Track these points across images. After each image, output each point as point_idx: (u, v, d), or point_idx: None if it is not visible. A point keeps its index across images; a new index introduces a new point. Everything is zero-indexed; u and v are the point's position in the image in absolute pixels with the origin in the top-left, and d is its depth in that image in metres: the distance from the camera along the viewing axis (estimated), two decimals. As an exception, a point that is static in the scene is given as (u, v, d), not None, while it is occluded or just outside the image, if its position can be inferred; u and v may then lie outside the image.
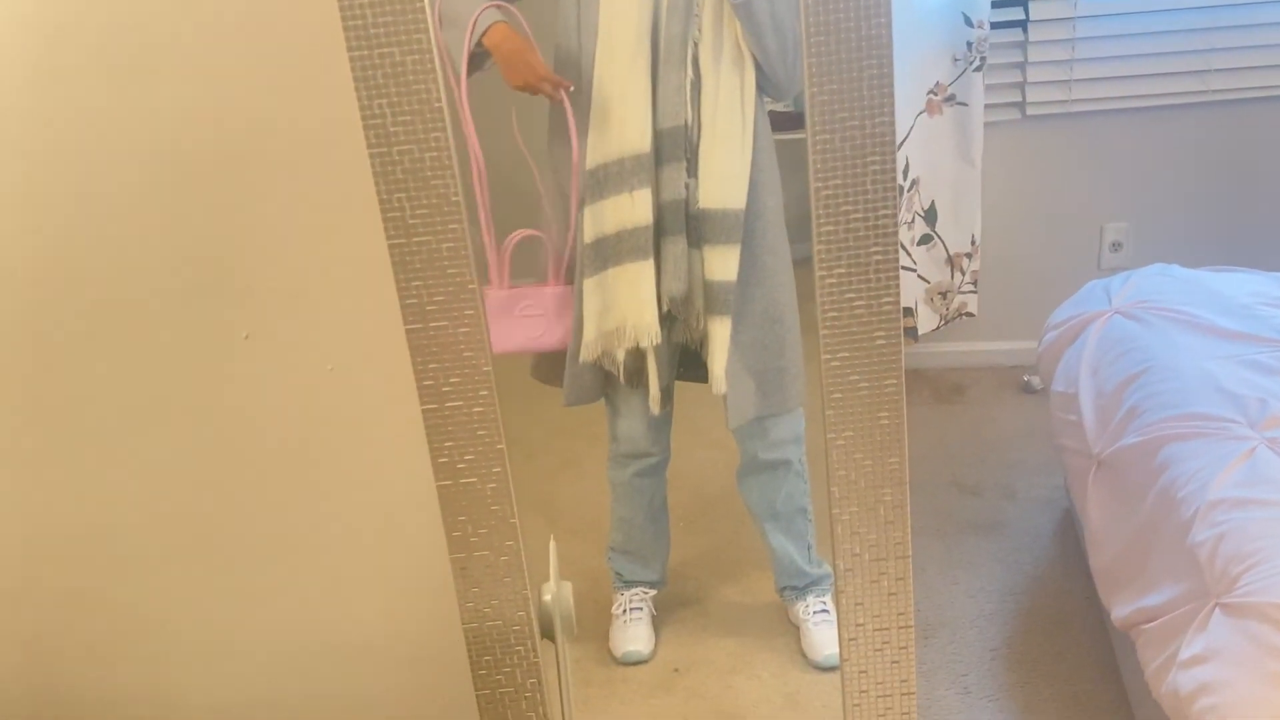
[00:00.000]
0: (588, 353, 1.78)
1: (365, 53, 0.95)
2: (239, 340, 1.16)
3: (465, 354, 1.04)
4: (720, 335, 1.76)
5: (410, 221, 1.00)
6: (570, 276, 1.79)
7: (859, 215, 0.99)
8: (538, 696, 1.16)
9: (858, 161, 0.98)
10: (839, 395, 1.05)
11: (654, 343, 1.76)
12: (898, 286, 1.02)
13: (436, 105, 0.95)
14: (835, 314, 1.02)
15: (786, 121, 2.34)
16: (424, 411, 1.06)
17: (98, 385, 1.19)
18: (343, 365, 1.16)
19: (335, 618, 1.27)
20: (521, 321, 1.79)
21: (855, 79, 0.95)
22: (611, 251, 1.72)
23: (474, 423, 1.07)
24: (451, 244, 1.01)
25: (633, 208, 1.68)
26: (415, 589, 1.23)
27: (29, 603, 1.30)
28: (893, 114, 0.97)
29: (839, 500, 1.10)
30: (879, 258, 1.01)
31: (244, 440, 1.20)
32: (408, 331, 1.04)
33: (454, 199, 1.00)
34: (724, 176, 1.70)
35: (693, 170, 1.70)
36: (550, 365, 1.90)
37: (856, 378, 1.05)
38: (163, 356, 1.17)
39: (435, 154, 0.97)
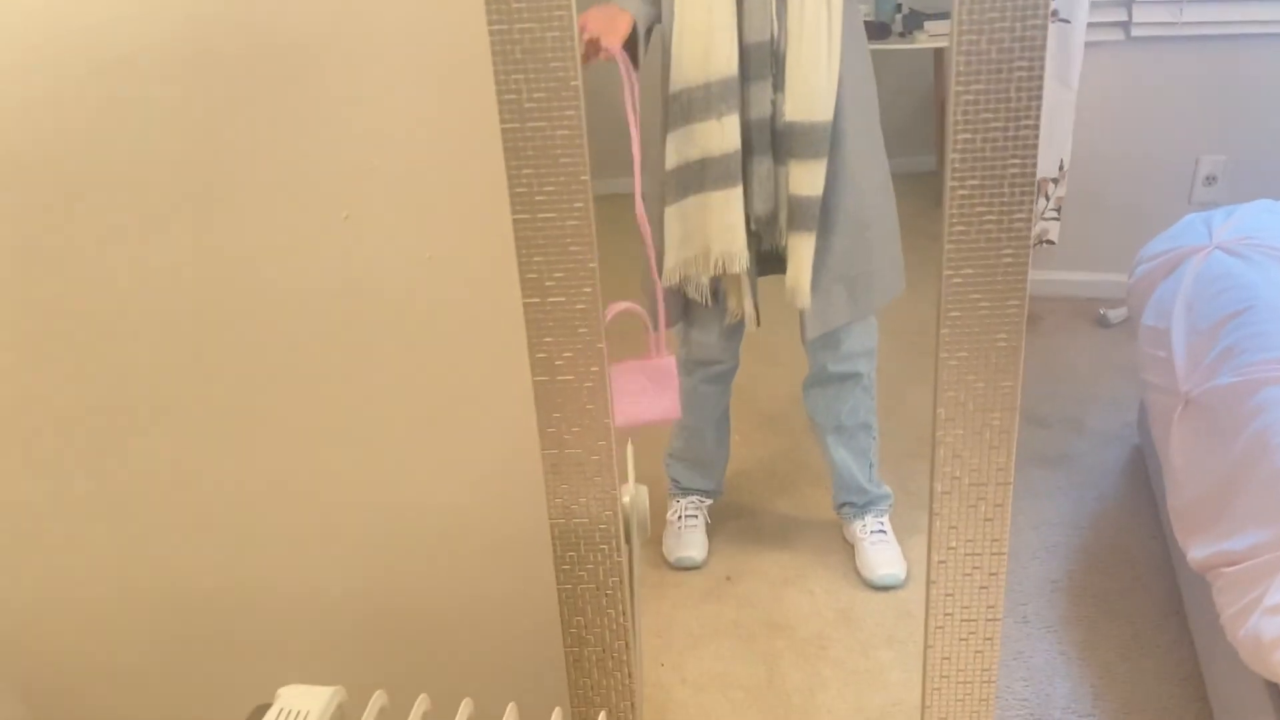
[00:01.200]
0: (670, 278, 1.76)
1: (505, 28, 0.90)
2: (338, 220, 1.13)
3: (572, 248, 1.01)
4: (804, 250, 1.72)
5: (526, 106, 0.96)
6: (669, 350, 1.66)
7: (999, 125, 0.94)
8: (618, 594, 1.15)
9: (1004, 66, 0.92)
10: (957, 314, 1.02)
11: (743, 268, 1.73)
12: (1032, 203, 0.97)
13: (573, 84, 0.91)
14: (963, 228, 0.98)
15: (870, 31, 2.24)
16: (525, 305, 1.04)
17: (198, 254, 1.17)
18: (443, 253, 1.14)
19: (423, 504, 1.28)
20: (627, 400, 1.59)
21: (1012, -23, 0.89)
22: (695, 178, 1.68)
23: (575, 320, 1.04)
24: (566, 131, 0.97)
25: (721, 134, 1.65)
26: (505, 480, 1.23)
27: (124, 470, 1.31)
28: (1046, 16, 0.91)
29: (944, 422, 1.07)
30: (1016, 171, 0.96)
31: (341, 322, 1.18)
32: (515, 221, 1.01)
33: (573, 83, 0.95)
34: (811, 89, 1.64)
35: (779, 85, 1.65)
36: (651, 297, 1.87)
37: (978, 296, 1.01)
38: (260, 232, 1.15)
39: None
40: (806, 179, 1.68)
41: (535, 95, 0.96)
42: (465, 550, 1.30)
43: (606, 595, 1.15)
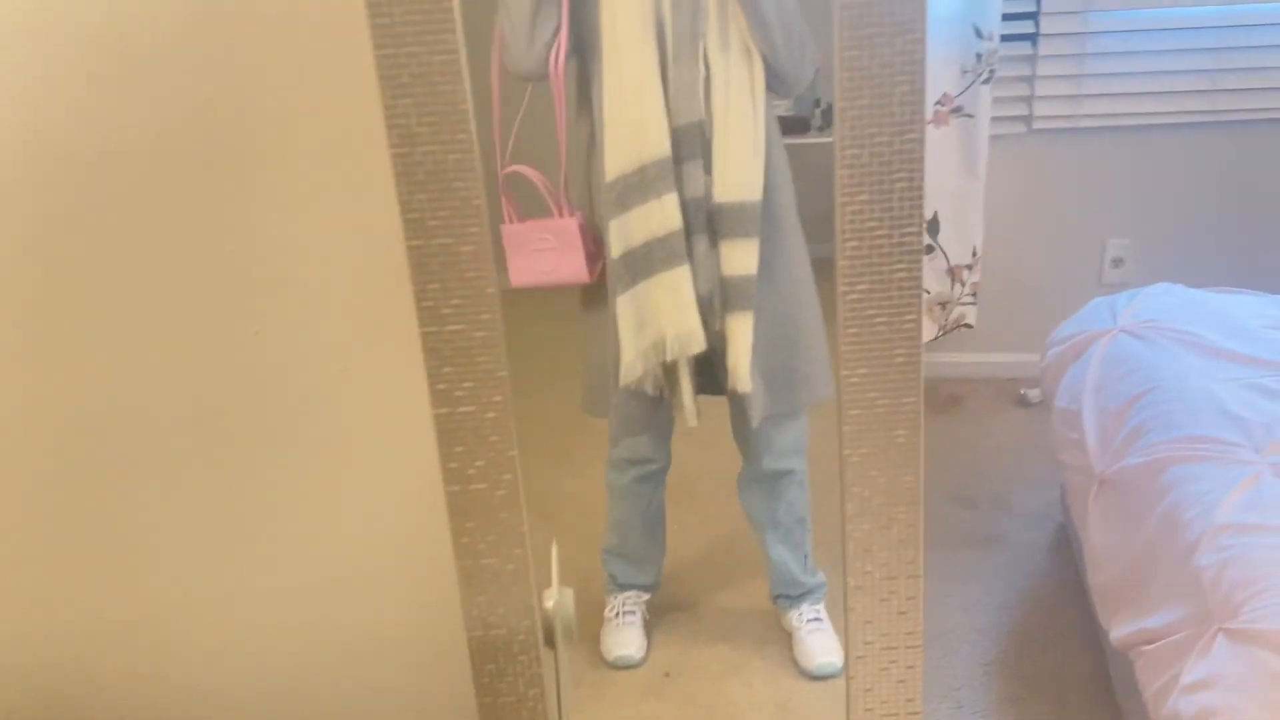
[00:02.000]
0: (629, 374, 1.74)
1: (391, 51, 0.93)
2: (249, 336, 1.14)
3: (480, 359, 1.03)
4: (742, 331, 1.73)
5: (430, 224, 0.99)
6: (573, 208, 1.75)
7: (883, 233, 0.98)
8: (540, 707, 1.14)
9: (885, 178, 0.97)
10: (857, 412, 1.05)
11: (701, 349, 1.73)
12: (920, 305, 1.01)
13: (463, 107, 0.94)
14: (856, 330, 1.01)
15: (789, 126, 2.32)
16: (435, 416, 1.05)
17: (103, 380, 1.17)
18: (354, 366, 1.15)
19: (338, 620, 1.26)
20: (535, 256, 1.75)
21: (887, 95, 0.94)
22: (643, 263, 1.69)
23: (486, 429, 1.05)
24: (472, 247, 1.00)
25: (663, 214, 1.66)
26: (420, 593, 1.22)
27: (24, 599, 1.28)
28: (923, 131, 0.96)
29: (852, 517, 1.09)
30: (903, 275, 1.00)
31: (251, 438, 1.18)
32: (423, 335, 1.02)
33: (475, 202, 0.98)
34: (740, 169, 1.68)
35: (708, 166, 1.68)
36: (599, 398, 1.88)
37: (875, 394, 1.04)
38: (171, 350, 1.15)
39: (459, 156, 0.96)
40: (740, 259, 1.70)
41: (439, 214, 0.99)
42: (382, 666, 1.28)
43: (527, 708, 1.14)
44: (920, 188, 0.97)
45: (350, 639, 1.28)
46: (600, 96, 1.66)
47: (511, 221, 1.74)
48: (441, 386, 1.04)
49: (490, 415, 1.05)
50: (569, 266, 1.75)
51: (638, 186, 1.65)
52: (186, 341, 1.15)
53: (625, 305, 1.72)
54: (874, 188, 0.97)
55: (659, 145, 1.64)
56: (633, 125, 1.64)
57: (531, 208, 1.76)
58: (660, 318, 1.72)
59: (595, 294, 1.82)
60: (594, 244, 1.76)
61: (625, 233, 1.68)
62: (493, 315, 1.02)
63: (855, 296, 1.00)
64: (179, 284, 1.13)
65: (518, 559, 1.10)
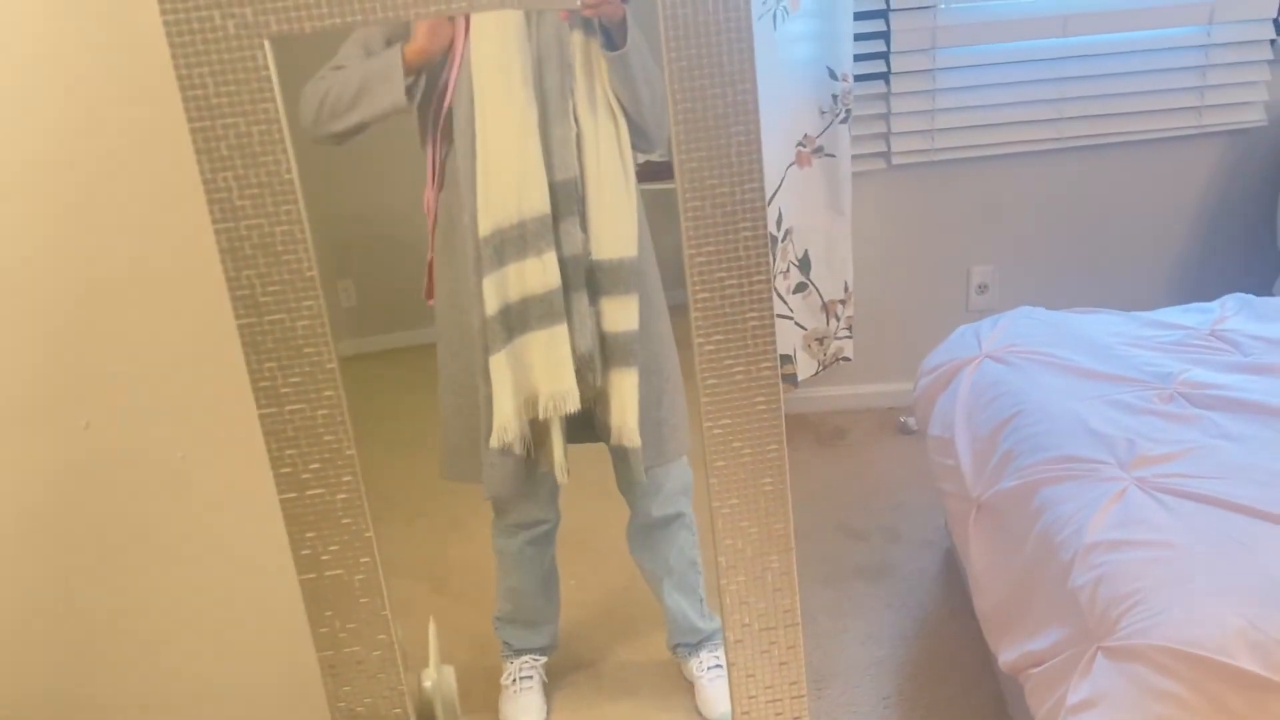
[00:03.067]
0: (503, 434, 1.70)
1: (207, 124, 0.89)
2: (78, 430, 1.07)
3: (325, 438, 0.98)
4: (628, 387, 1.71)
5: (261, 299, 0.94)
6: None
7: (733, 282, 0.97)
8: (420, 796, 1.09)
9: (729, 228, 0.96)
10: (722, 463, 1.03)
11: (576, 409, 1.70)
12: (775, 352, 1.00)
13: (287, 177, 0.90)
14: (715, 381, 1.00)
15: (663, 171, 2.33)
16: (282, 501, 0.99)
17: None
18: (194, 452, 1.08)
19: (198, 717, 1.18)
20: None
21: (724, 145, 0.93)
22: (518, 320, 1.66)
23: (338, 511, 1.00)
24: (307, 322, 0.95)
25: (542, 271, 1.63)
26: (283, 687, 1.15)
27: None
28: (761, 179, 0.95)
29: (726, 570, 1.07)
30: (755, 323, 0.99)
31: (89, 536, 1.10)
32: (261, 416, 0.97)
33: (309, 274, 0.94)
34: (615, 226, 1.67)
35: (583, 224, 1.66)
36: (461, 461, 1.83)
37: (739, 444, 1.02)
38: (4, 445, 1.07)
39: (287, 228, 0.92)
40: (621, 315, 1.69)
41: (270, 289, 0.94)
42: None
43: (406, 798, 1.08)
44: (764, 235, 0.97)
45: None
46: (466, 148, 1.62)
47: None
48: (286, 470, 0.99)
49: (341, 496, 1.00)
50: None
51: (516, 242, 1.62)
52: (15, 439, 1.07)
53: (499, 364, 1.68)
54: (719, 238, 0.96)
55: (540, 201, 1.62)
56: (513, 180, 1.61)
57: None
58: (535, 375, 1.69)
59: (455, 352, 1.77)
60: None
61: (501, 289, 1.65)
62: (335, 392, 0.97)
63: (711, 348, 0.99)
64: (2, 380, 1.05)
65: (383, 644, 1.05)
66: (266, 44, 0.88)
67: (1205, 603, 1.35)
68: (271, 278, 0.93)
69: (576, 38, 1.61)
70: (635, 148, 1.70)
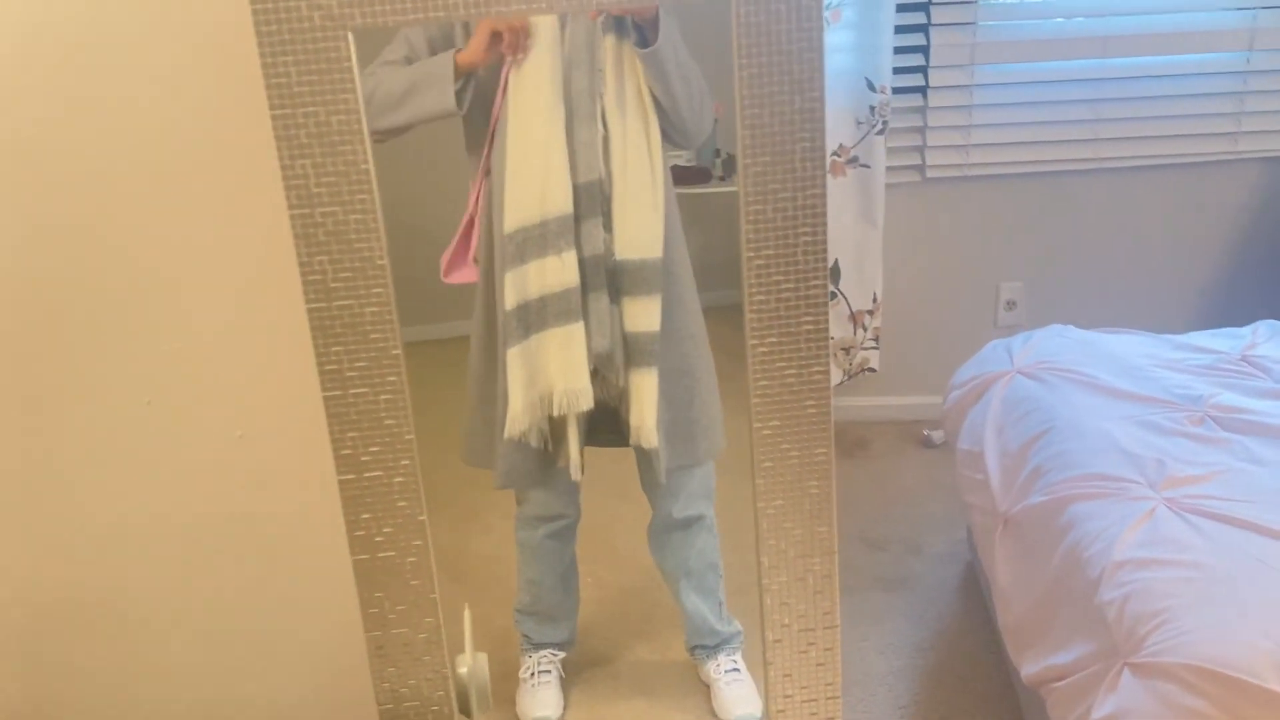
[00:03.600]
0: (514, 426, 1.73)
1: (288, 111, 0.91)
2: (141, 406, 1.09)
3: (387, 422, 1.00)
4: (647, 388, 1.74)
5: (332, 285, 0.96)
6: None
7: (790, 286, 0.99)
8: (456, 778, 1.11)
9: (789, 233, 0.98)
10: (770, 464, 1.05)
11: (588, 408, 1.73)
12: (827, 357, 1.01)
13: (364, 167, 0.92)
14: (766, 383, 1.02)
15: (691, 176, 2.36)
16: (341, 482, 1.01)
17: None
18: (253, 432, 1.11)
19: (246, 694, 1.20)
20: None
21: (789, 151, 0.95)
22: (536, 317, 1.69)
23: (394, 494, 1.02)
24: (375, 309, 0.97)
25: (561, 270, 1.66)
26: (329, 666, 1.17)
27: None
28: (824, 186, 0.97)
29: (768, 570, 1.08)
30: (809, 328, 1.00)
31: (149, 511, 1.13)
32: (325, 399, 0.99)
33: (379, 263, 0.96)
34: (640, 227, 1.70)
35: (608, 224, 1.69)
36: (480, 448, 1.85)
37: (787, 446, 1.04)
38: (64, 422, 1.09)
39: (360, 216, 0.94)
40: (642, 316, 1.72)
41: (341, 275, 0.97)
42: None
43: (443, 779, 1.10)
44: (824, 241, 0.99)
45: (260, 714, 1.22)
46: (501, 149, 1.65)
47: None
48: (346, 452, 1.01)
49: (398, 480, 1.02)
50: None
51: (537, 240, 1.66)
52: (80, 413, 1.10)
53: (515, 358, 1.72)
54: (778, 242, 0.98)
55: (562, 201, 1.65)
56: (536, 180, 1.64)
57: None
58: (550, 372, 1.72)
59: (485, 344, 1.80)
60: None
61: (521, 285, 1.68)
62: (398, 377, 0.99)
63: (764, 350, 1.01)
64: (70, 351, 1.08)
65: (429, 627, 1.07)
66: (350, 35, 0.90)
67: (1234, 623, 1.36)
68: (343, 264, 0.95)
69: (609, 41, 1.64)
70: (672, 144, 1.72)
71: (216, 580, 1.15)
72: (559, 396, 1.72)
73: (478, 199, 1.75)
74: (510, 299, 1.68)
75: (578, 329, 1.69)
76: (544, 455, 1.82)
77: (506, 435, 1.74)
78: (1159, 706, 1.33)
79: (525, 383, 1.72)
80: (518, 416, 1.73)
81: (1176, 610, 1.39)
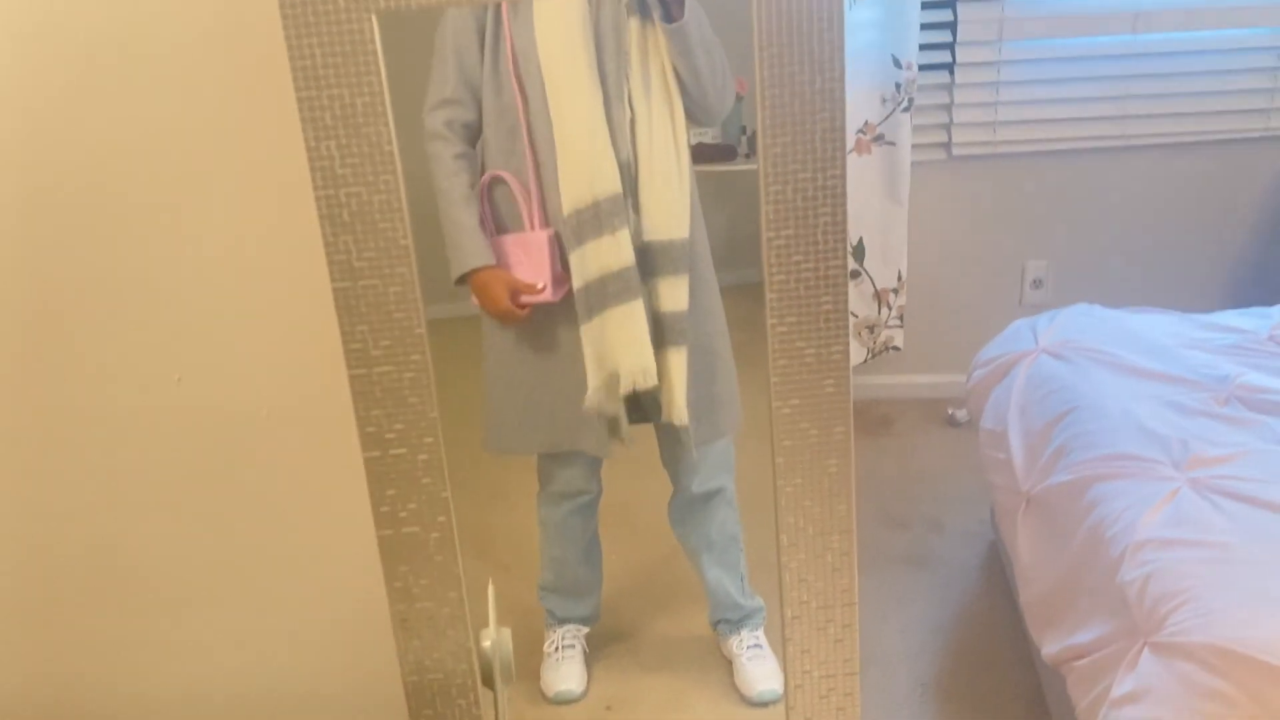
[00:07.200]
0: (593, 400, 1.75)
1: (313, 93, 0.92)
2: (171, 383, 1.11)
3: (411, 400, 1.02)
4: (677, 365, 1.75)
5: (357, 265, 0.98)
6: (547, 220, 1.74)
7: (810, 266, 1.00)
8: (479, 749, 1.13)
9: (809, 213, 0.98)
10: (789, 443, 1.05)
11: (654, 383, 1.74)
12: (847, 336, 1.02)
13: (387, 148, 0.93)
14: (785, 362, 1.02)
15: (716, 154, 2.36)
16: (366, 459, 1.03)
17: (25, 427, 1.13)
18: (279, 409, 1.13)
19: (272, 669, 1.23)
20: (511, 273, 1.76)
21: (809, 131, 0.95)
22: (598, 297, 1.71)
23: (418, 471, 1.04)
24: (399, 288, 0.99)
25: (617, 248, 1.67)
26: (354, 639, 1.20)
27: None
28: (844, 167, 0.97)
29: (787, 548, 1.10)
30: (829, 308, 1.01)
31: (178, 485, 1.15)
32: (351, 377, 1.01)
33: (403, 242, 0.97)
34: (667, 208, 1.71)
35: (635, 206, 1.71)
36: (508, 434, 1.88)
37: (806, 425, 1.05)
38: (93, 398, 1.12)
39: (384, 197, 0.95)
40: (671, 295, 1.73)
41: (365, 255, 0.98)
42: (318, 715, 1.25)
43: (467, 750, 1.12)
44: (844, 221, 0.99)
45: (285, 687, 1.25)
46: (539, 132, 1.66)
47: (488, 236, 1.75)
48: (371, 429, 1.03)
49: (422, 457, 1.04)
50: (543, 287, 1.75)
51: (592, 222, 1.67)
52: (110, 390, 1.12)
53: (587, 337, 1.73)
54: (799, 222, 0.98)
55: (612, 181, 1.66)
56: (585, 162, 1.66)
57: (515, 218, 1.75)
58: (616, 351, 1.73)
59: (498, 330, 1.81)
60: (562, 264, 1.77)
61: (583, 266, 1.70)
62: (422, 356, 1.01)
63: (784, 329, 1.01)
64: (100, 331, 1.10)
65: (453, 601, 1.09)
66: (374, 19, 0.91)
67: (1257, 605, 1.36)
68: (368, 244, 0.97)
69: (633, 24, 1.64)
70: (696, 122, 1.73)
71: (243, 554, 1.18)
72: (625, 376, 1.74)
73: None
74: (577, 280, 1.70)
75: (638, 306, 1.71)
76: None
77: (588, 407, 1.75)
78: (1179, 686, 1.34)
79: (596, 362, 1.74)
80: (595, 391, 1.75)
81: (1198, 590, 1.39)
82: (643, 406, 1.84)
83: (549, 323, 1.77)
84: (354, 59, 0.92)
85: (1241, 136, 2.81)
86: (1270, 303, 2.25)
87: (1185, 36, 2.73)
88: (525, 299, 1.73)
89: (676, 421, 1.79)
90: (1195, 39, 2.73)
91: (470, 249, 1.70)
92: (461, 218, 1.70)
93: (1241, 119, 2.79)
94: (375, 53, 0.92)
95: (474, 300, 1.75)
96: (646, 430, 1.90)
